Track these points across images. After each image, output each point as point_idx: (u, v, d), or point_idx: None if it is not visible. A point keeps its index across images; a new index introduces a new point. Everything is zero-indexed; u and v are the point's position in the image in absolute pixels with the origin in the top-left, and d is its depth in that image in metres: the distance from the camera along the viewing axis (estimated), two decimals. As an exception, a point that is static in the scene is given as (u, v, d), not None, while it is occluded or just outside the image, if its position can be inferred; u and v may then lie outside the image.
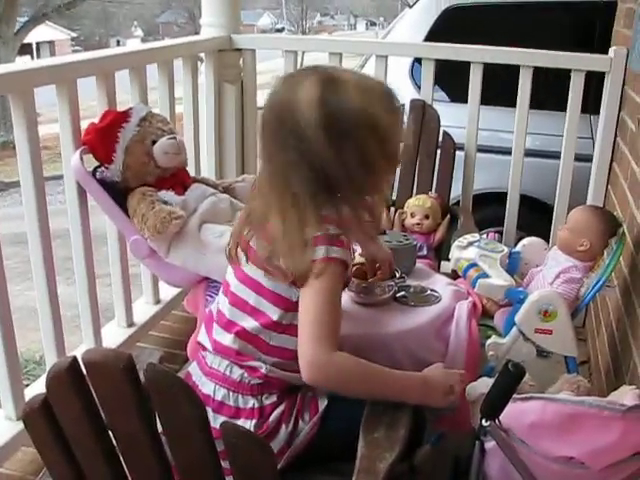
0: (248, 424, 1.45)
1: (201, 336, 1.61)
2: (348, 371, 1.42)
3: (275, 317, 1.47)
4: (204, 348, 1.57)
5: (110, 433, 1.09)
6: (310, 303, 1.41)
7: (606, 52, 2.88)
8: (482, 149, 3.13)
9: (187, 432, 1.02)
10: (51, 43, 27.00)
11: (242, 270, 1.53)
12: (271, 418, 1.48)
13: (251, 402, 1.48)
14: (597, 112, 2.98)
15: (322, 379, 1.42)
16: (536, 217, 3.47)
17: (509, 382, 1.31)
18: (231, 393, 1.49)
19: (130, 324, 2.68)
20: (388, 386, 1.46)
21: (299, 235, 1.40)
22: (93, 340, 2.44)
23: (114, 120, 2.22)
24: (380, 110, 1.42)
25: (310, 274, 1.40)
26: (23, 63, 2.21)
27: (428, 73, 3.04)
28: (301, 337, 1.41)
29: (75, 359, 1.01)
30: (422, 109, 2.98)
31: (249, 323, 1.49)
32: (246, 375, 1.48)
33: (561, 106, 3.06)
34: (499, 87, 3.21)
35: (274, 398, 1.50)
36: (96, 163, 2.25)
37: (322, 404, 1.52)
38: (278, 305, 1.47)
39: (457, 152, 2.99)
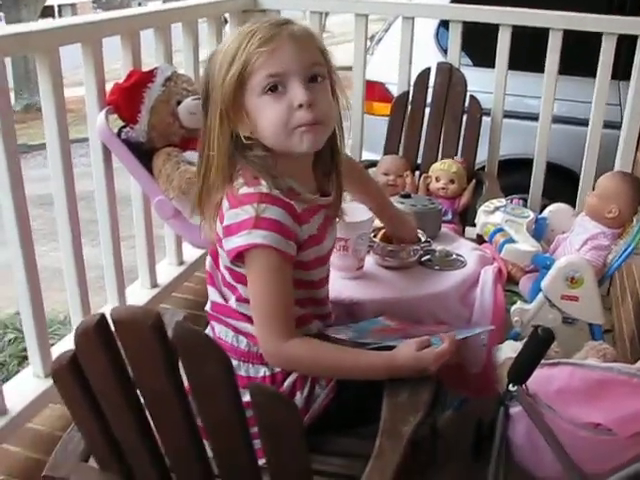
0: None
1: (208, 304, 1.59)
2: (300, 360, 1.40)
3: (243, 293, 1.44)
4: (211, 316, 1.55)
5: (137, 390, 1.09)
6: (252, 292, 1.39)
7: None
8: (506, 115, 3.08)
9: (214, 389, 1.02)
10: (73, 5, 26.87)
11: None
12: (285, 385, 1.47)
13: (262, 370, 1.47)
14: (625, 78, 2.93)
15: (277, 365, 1.44)
16: (560, 184, 3.43)
17: (538, 347, 1.31)
18: (242, 363, 1.47)
19: (154, 285, 2.68)
20: (347, 371, 1.43)
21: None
22: (117, 300, 2.45)
23: (139, 80, 2.20)
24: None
25: (245, 258, 1.36)
26: (48, 22, 2.19)
27: (455, 36, 2.99)
28: (255, 326, 1.40)
29: (103, 316, 1.01)
30: (449, 72, 2.94)
31: (232, 300, 1.47)
32: (252, 344, 1.46)
33: (587, 71, 3.01)
34: (524, 51, 3.15)
35: None
36: (121, 125, 2.24)
37: None
38: (240, 282, 1.43)
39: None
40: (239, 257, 1.37)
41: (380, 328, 1.62)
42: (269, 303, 1.37)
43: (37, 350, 2.07)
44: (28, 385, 2.09)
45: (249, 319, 1.44)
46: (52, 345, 2.22)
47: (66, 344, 2.31)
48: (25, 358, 3.83)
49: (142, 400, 1.10)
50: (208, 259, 1.56)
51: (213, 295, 1.53)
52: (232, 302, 1.47)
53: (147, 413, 1.11)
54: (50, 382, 2.06)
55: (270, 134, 1.38)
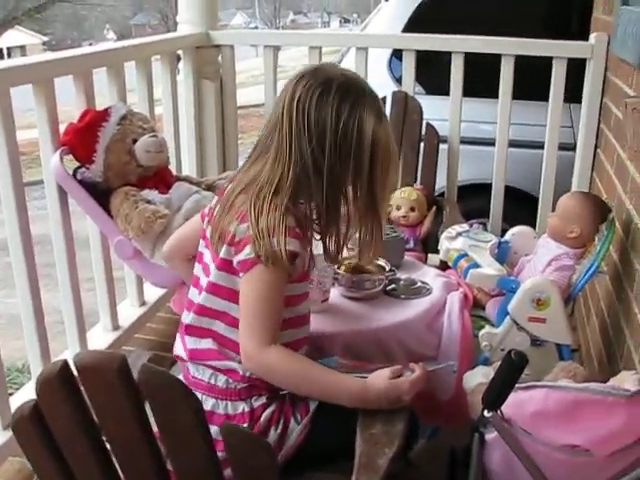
0: None
1: (177, 349, 1.58)
2: (277, 367, 1.42)
3: (234, 313, 1.46)
4: (183, 359, 1.55)
5: (104, 438, 1.05)
6: (248, 295, 1.42)
7: (583, 40, 2.89)
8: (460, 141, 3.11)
9: (185, 434, 0.98)
10: (22, 48, 26.73)
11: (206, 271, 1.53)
12: (261, 419, 1.46)
13: (241, 407, 1.46)
14: (575, 101, 2.99)
15: (254, 371, 1.44)
16: (516, 207, 3.45)
17: (512, 372, 1.29)
18: (219, 401, 1.47)
19: (115, 327, 2.62)
20: (319, 389, 1.45)
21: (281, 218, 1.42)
22: (78, 345, 2.39)
23: (93, 119, 2.17)
24: None
25: (257, 263, 1.39)
26: (-2, 63, 2.15)
27: (409, 64, 3.02)
28: (240, 330, 1.43)
29: (66, 363, 0.97)
30: (404, 101, 2.96)
31: (218, 327, 1.48)
32: (231, 381, 1.47)
33: (536, 95, 3.06)
34: (476, 78, 3.19)
35: (263, 399, 1.48)
36: (76, 165, 2.20)
37: (313, 404, 1.50)
38: (232, 300, 1.46)
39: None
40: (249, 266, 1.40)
41: (337, 367, 1.60)
42: (265, 309, 1.41)
43: (-5, 401, 2.00)
44: (-14, 439, 2.01)
45: (234, 346, 1.45)
46: (10, 395, 2.15)
47: (25, 393, 2.24)
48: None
49: (109, 448, 1.05)
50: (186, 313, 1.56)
51: (191, 343, 1.52)
52: (220, 329, 1.48)
53: (114, 462, 1.07)
54: (9, 434, 1.99)
55: None
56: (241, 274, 1.43)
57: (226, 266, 1.46)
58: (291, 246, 1.39)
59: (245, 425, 1.43)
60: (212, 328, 1.49)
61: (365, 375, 1.45)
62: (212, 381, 1.47)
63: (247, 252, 1.40)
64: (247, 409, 1.46)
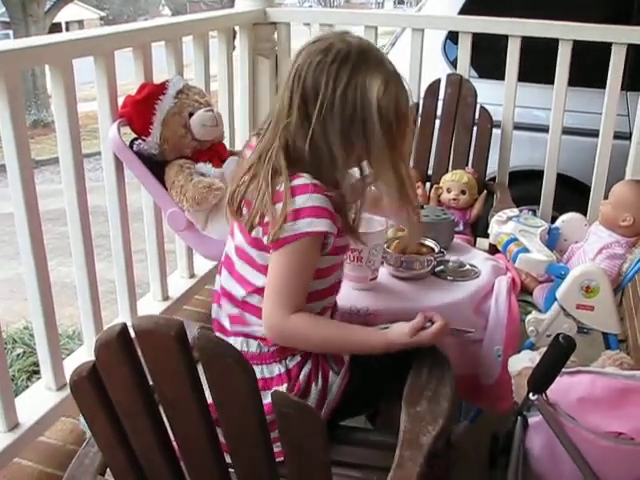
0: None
1: (214, 313, 1.61)
2: (302, 334, 1.44)
3: (259, 283, 1.47)
4: (220, 327, 1.57)
5: (158, 402, 1.08)
6: (277, 269, 1.42)
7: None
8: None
9: (239, 401, 1.00)
10: (80, 22, 27.03)
11: (235, 239, 1.54)
12: (300, 378, 1.49)
13: (277, 368, 1.49)
14: (632, 89, 2.93)
15: (279, 340, 1.47)
16: (567, 194, 3.41)
17: (560, 355, 1.29)
18: (255, 366, 1.46)
19: (165, 298, 2.67)
20: (343, 349, 1.53)
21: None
22: (129, 314, 2.44)
23: (151, 92, 2.20)
24: None
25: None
26: (61, 35, 2.20)
27: (465, 47, 2.99)
28: (264, 298, 1.44)
29: (125, 326, 1.00)
30: (459, 83, 2.94)
31: (247, 297, 1.50)
32: (263, 344, 1.49)
33: (594, 82, 3.00)
34: (531, 63, 3.15)
35: (298, 358, 1.50)
36: (132, 137, 2.24)
37: (346, 356, 1.55)
38: (261, 272, 1.47)
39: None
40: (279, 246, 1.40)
41: None
42: (293, 283, 1.42)
43: (49, 363, 2.06)
44: (40, 398, 2.07)
45: (259, 315, 1.47)
46: (62, 359, 2.22)
47: (78, 357, 2.30)
48: (34, 373, 3.82)
49: (163, 411, 1.08)
50: (218, 277, 1.59)
51: (227, 307, 1.55)
52: (247, 299, 1.50)
53: (167, 425, 1.10)
54: (62, 395, 2.05)
55: None
56: (272, 251, 1.42)
57: (257, 244, 1.46)
58: (320, 227, 1.38)
59: (284, 386, 1.47)
60: (240, 295, 1.51)
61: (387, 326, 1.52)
62: (244, 348, 1.50)
63: (276, 233, 1.38)
64: (283, 370, 1.48)
